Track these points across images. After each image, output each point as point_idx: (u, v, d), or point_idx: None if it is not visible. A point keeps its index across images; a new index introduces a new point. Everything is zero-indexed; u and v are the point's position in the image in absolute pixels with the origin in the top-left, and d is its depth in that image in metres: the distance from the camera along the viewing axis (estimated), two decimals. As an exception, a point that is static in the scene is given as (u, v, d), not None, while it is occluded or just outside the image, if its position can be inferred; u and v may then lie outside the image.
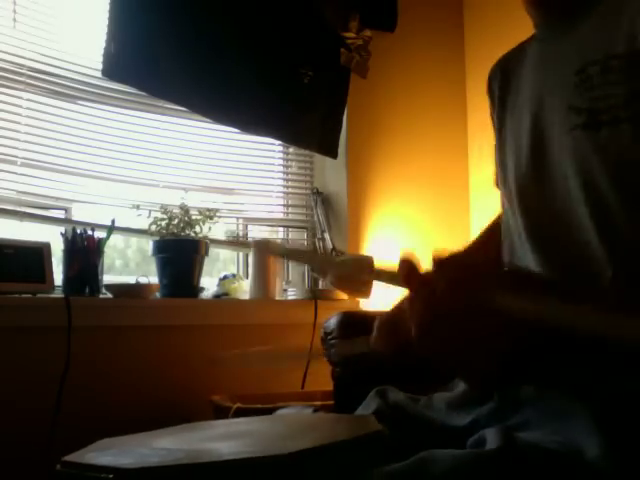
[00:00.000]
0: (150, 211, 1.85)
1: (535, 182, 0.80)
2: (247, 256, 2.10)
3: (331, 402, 1.42)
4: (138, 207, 1.84)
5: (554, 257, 0.77)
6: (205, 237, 1.86)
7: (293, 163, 2.30)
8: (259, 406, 1.54)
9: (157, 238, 1.82)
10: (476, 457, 0.53)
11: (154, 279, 1.82)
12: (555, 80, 0.79)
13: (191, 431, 0.67)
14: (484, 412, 0.68)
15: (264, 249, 1.76)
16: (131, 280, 1.85)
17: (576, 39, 0.77)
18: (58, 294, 1.63)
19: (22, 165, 1.77)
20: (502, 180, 0.90)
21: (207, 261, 1.89)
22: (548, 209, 0.78)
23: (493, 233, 1.01)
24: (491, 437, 0.55)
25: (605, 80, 0.71)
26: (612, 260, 0.69)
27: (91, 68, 1.87)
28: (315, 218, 2.19)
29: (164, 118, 2.02)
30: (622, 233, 0.70)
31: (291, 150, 2.27)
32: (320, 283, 2.10)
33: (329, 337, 1.32)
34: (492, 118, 1.00)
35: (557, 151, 0.77)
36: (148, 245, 1.84)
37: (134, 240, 2.07)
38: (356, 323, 1.33)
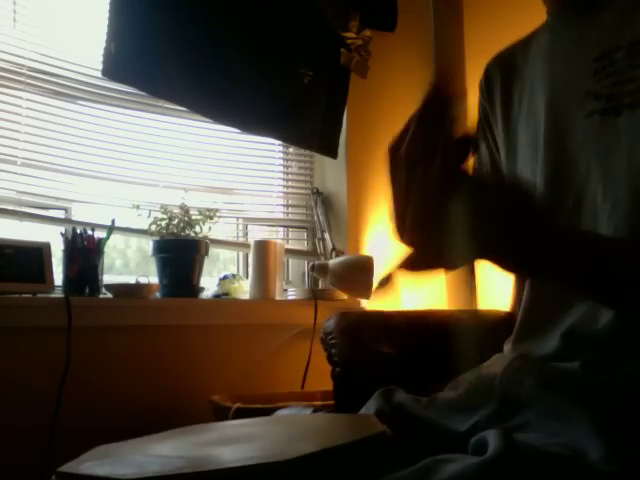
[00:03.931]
0: (150, 211, 1.85)
1: (552, 172, 0.80)
2: (247, 256, 2.10)
3: (331, 402, 1.42)
4: (138, 207, 1.84)
5: None
6: (205, 237, 1.86)
7: (293, 163, 2.30)
8: (259, 406, 1.54)
9: (157, 238, 1.82)
10: (479, 465, 0.52)
11: (154, 279, 1.82)
12: (571, 67, 0.78)
13: (190, 435, 0.66)
14: (485, 414, 0.67)
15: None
16: (131, 280, 1.85)
17: (594, 26, 0.76)
18: (58, 294, 1.63)
19: (22, 165, 1.77)
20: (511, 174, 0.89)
21: (207, 261, 1.88)
22: (564, 200, 0.77)
23: None
24: (492, 440, 0.54)
25: (631, 64, 0.70)
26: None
27: (91, 68, 1.87)
28: (315, 218, 2.18)
29: (164, 118, 2.02)
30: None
31: (291, 150, 2.27)
32: (320, 283, 2.10)
33: (329, 337, 1.32)
34: (481, 113, 0.98)
35: (574, 138, 0.76)
36: (148, 245, 1.84)
37: (134, 240, 2.07)
38: (355, 323, 1.33)
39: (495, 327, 1.03)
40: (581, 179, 0.74)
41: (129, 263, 2.14)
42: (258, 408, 1.51)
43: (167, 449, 0.58)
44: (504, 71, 0.93)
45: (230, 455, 0.55)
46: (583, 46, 0.77)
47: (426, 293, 2.08)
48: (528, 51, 0.88)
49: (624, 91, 0.69)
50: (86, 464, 0.54)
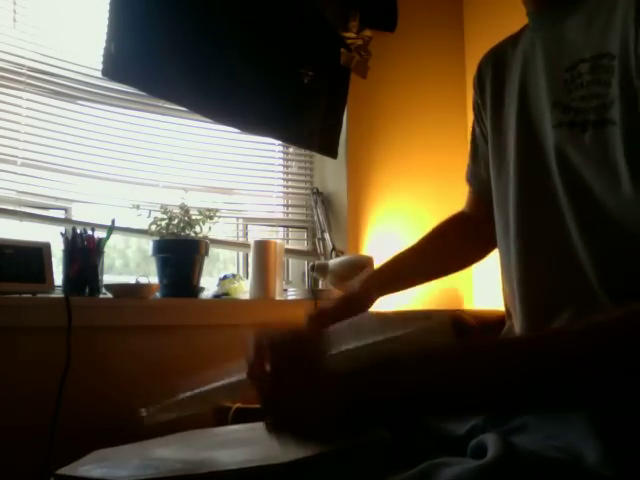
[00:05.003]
0: (150, 211, 1.85)
1: (522, 179, 0.79)
2: (247, 256, 2.10)
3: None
4: (138, 207, 1.84)
5: (538, 256, 0.76)
6: (205, 237, 1.86)
7: (293, 163, 2.30)
8: (259, 406, 1.53)
9: (157, 238, 1.82)
10: (477, 469, 0.52)
11: (154, 279, 1.82)
12: (544, 74, 0.77)
13: (188, 440, 0.66)
14: (483, 416, 0.67)
15: None
16: (131, 280, 1.85)
17: (568, 33, 0.75)
18: (58, 294, 1.63)
19: (22, 165, 1.77)
20: (496, 178, 0.89)
21: (207, 261, 1.88)
22: (534, 208, 0.77)
23: (438, 239, 1.00)
24: (491, 444, 0.54)
25: (595, 79, 0.68)
26: (595, 263, 0.68)
27: (91, 68, 1.87)
28: (315, 218, 2.18)
29: (164, 118, 2.02)
30: (606, 236, 0.68)
31: (291, 150, 2.27)
32: (320, 283, 2.10)
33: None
34: (476, 109, 0.98)
35: (542, 147, 0.75)
36: (148, 245, 1.84)
37: (134, 240, 2.07)
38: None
39: (494, 327, 1.03)
40: (549, 188, 0.73)
41: (129, 263, 2.14)
42: (258, 408, 1.51)
43: (165, 453, 0.58)
44: (495, 67, 0.92)
45: (228, 458, 0.55)
46: (557, 53, 0.76)
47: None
48: (517, 47, 0.88)
49: (590, 107, 0.68)
50: (84, 467, 0.54)
